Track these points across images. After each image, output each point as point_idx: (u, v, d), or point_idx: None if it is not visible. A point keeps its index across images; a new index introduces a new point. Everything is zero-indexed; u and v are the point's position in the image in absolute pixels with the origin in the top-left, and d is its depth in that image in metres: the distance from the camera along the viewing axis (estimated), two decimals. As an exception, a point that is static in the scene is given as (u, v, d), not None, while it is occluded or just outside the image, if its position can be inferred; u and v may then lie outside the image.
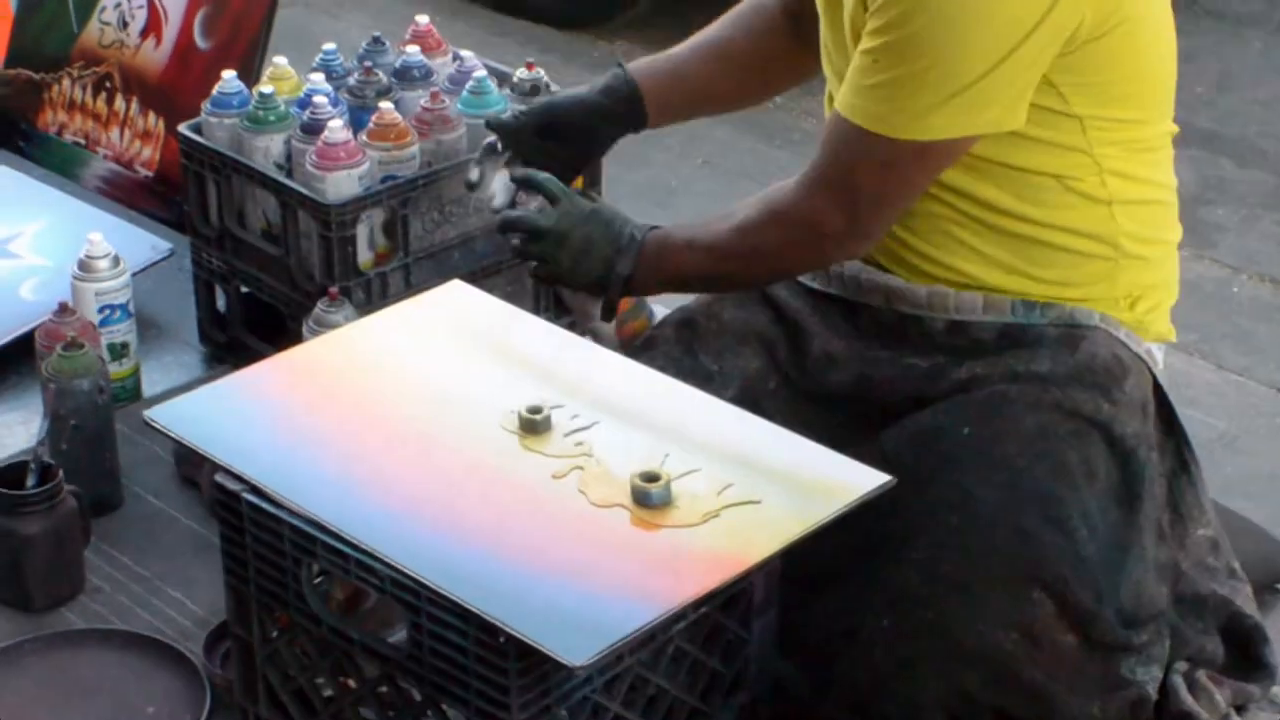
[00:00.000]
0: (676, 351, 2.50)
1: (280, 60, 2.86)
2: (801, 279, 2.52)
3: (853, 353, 2.44)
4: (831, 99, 2.43)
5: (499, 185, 2.58)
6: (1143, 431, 2.34)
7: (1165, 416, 2.41)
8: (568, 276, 2.46)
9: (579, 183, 2.69)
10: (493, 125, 2.61)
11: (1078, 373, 2.32)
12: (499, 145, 2.59)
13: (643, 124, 2.63)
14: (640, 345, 2.55)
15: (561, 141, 2.61)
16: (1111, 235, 2.34)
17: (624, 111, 2.62)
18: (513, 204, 2.56)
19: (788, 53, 2.64)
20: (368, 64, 2.83)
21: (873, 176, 2.28)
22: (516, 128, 2.59)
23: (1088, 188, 2.32)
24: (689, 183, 4.89)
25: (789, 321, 2.50)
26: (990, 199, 2.32)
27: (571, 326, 2.69)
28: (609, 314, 2.50)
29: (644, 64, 2.65)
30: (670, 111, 2.65)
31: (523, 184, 2.50)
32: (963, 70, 2.19)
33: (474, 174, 2.59)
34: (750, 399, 2.37)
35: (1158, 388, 2.40)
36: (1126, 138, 2.33)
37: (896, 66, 2.20)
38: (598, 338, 2.55)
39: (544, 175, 2.47)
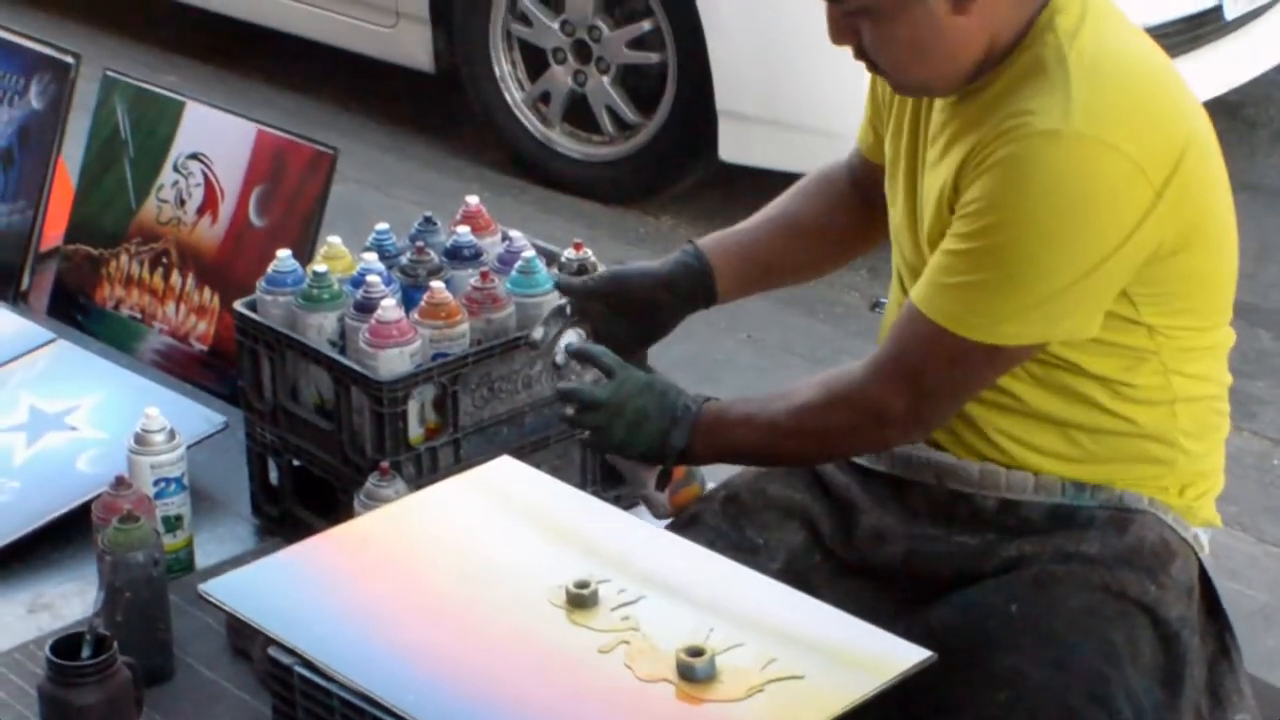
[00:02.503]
0: (724, 525, 2.52)
1: (334, 239, 2.92)
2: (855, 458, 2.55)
3: (902, 529, 2.45)
4: (901, 282, 2.47)
5: (562, 346, 2.63)
6: (1187, 615, 2.36)
7: (1209, 601, 2.42)
8: (622, 448, 2.48)
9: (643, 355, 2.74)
10: (562, 287, 2.67)
11: (1126, 555, 2.34)
12: (568, 309, 2.64)
13: (713, 300, 2.70)
14: (686, 520, 2.56)
15: (628, 313, 2.66)
16: (1170, 433, 2.37)
17: (693, 287, 2.67)
18: (567, 371, 2.61)
19: (857, 224, 2.70)
20: (419, 243, 2.89)
21: (941, 371, 2.30)
22: (586, 293, 2.65)
23: (1151, 388, 2.34)
24: (732, 356, 4.93)
25: (836, 497, 2.52)
26: (1050, 400, 2.35)
27: (618, 500, 2.73)
28: (663, 483, 2.53)
29: (714, 239, 2.71)
30: (740, 286, 2.71)
31: (578, 356, 2.55)
32: (1045, 283, 2.22)
33: (538, 333, 2.63)
34: (796, 573, 2.39)
35: (1203, 572, 2.41)
36: (1192, 344, 2.36)
37: (979, 271, 2.23)
38: (651, 505, 2.59)
39: (599, 348, 2.52)
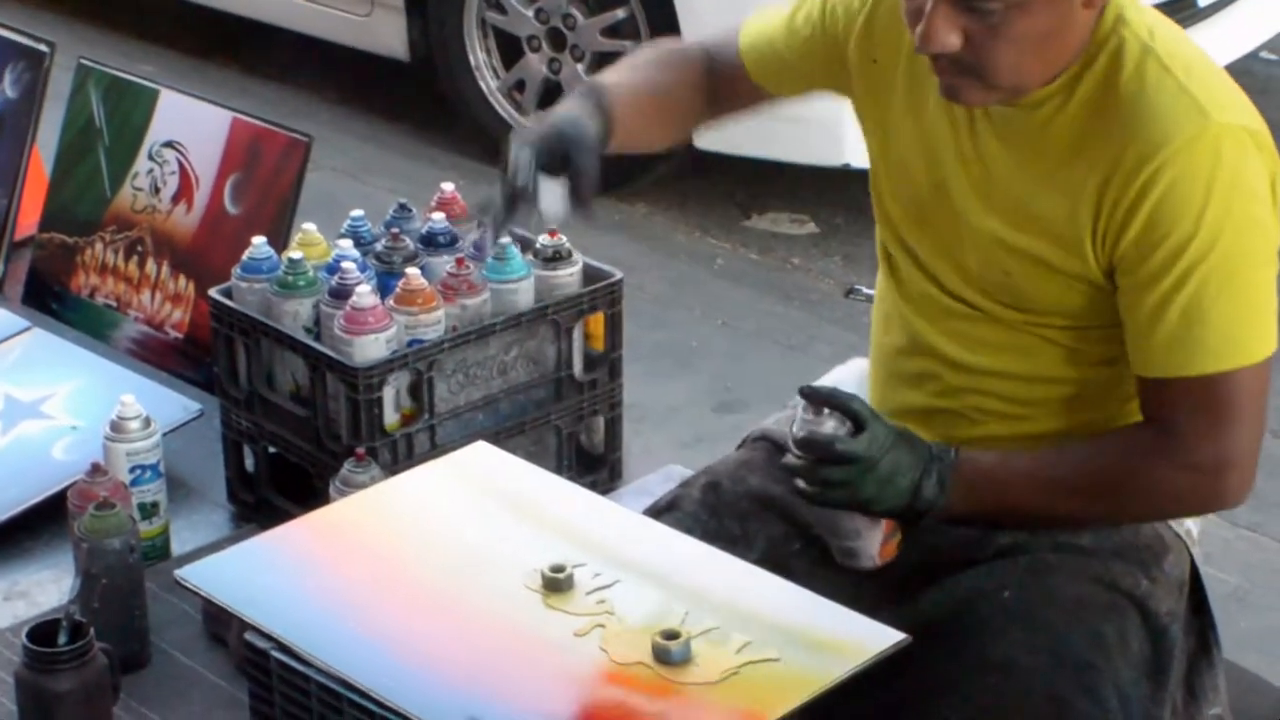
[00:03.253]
0: (703, 514, 2.51)
1: (309, 226, 2.93)
2: None
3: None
4: (889, 260, 2.47)
5: (550, 197, 2.40)
6: (1176, 610, 2.37)
7: (1196, 598, 2.43)
8: (865, 504, 2.28)
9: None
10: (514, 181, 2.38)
11: (1120, 548, 2.35)
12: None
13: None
14: (664, 505, 2.56)
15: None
16: None
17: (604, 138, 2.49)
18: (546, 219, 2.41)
19: (700, 109, 2.67)
20: (395, 230, 2.90)
21: (1245, 413, 2.23)
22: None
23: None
24: (708, 343, 4.94)
25: None
26: (1060, 410, 2.37)
27: (594, 485, 2.73)
28: (904, 538, 2.37)
29: (612, 93, 2.51)
30: (619, 142, 2.54)
31: (824, 403, 2.28)
32: (1269, 274, 2.22)
33: (522, 178, 2.36)
34: (774, 562, 2.37)
35: (1194, 568, 2.43)
36: None
37: (1220, 297, 2.19)
38: (852, 558, 2.36)
39: (850, 394, 2.31)
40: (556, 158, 2.37)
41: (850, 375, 2.68)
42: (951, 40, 2.17)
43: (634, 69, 2.62)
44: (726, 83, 2.63)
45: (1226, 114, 2.19)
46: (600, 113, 2.46)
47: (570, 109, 2.45)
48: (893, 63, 2.41)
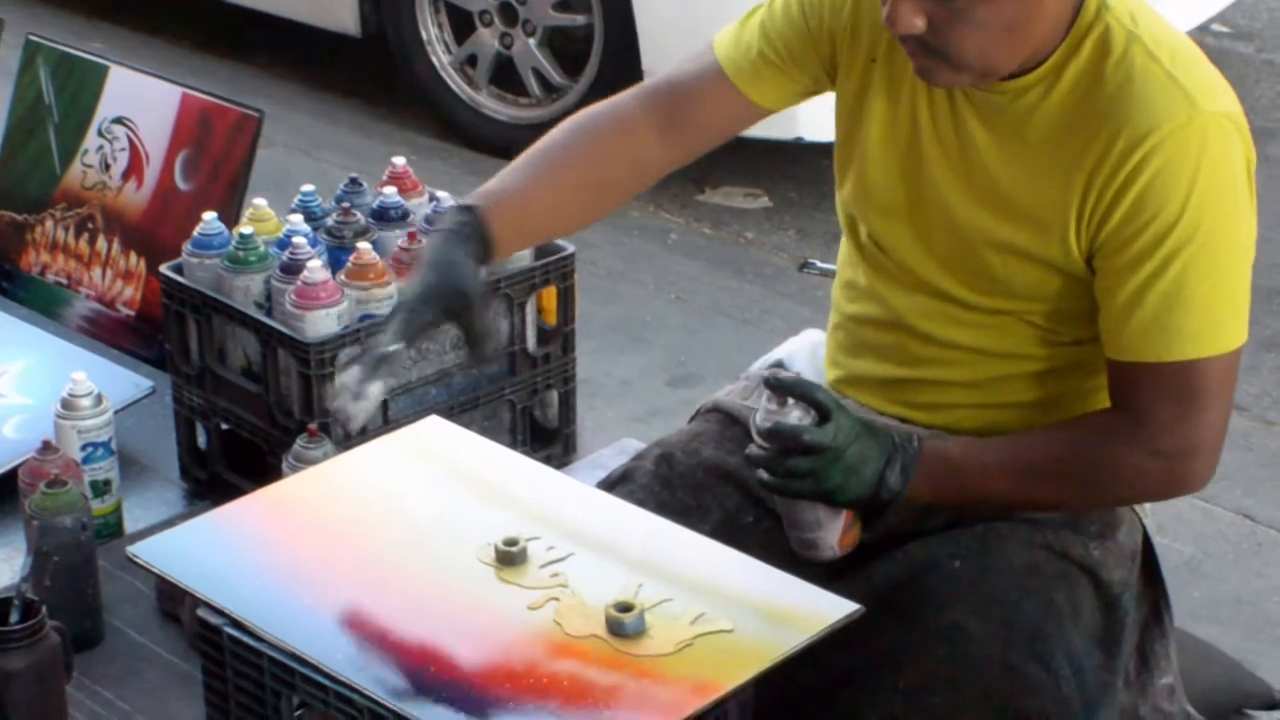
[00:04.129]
0: (656, 485, 2.51)
1: (260, 201, 2.91)
2: None
3: None
4: (858, 242, 2.46)
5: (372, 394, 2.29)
6: (1129, 579, 2.38)
7: (1149, 568, 2.44)
8: (829, 494, 2.28)
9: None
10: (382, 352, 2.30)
11: (1071, 518, 2.36)
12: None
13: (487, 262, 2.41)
14: (618, 478, 2.56)
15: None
16: None
17: (481, 257, 2.39)
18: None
19: (633, 170, 2.58)
20: (346, 204, 2.89)
21: (1214, 400, 2.24)
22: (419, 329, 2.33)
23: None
24: (662, 317, 4.94)
25: None
26: (1029, 385, 2.38)
27: (548, 460, 2.73)
28: (864, 526, 2.37)
29: (493, 202, 2.42)
30: (512, 247, 2.51)
31: (786, 391, 2.27)
32: (1245, 263, 2.23)
33: (351, 375, 2.28)
34: (728, 534, 2.37)
35: (1147, 539, 2.44)
36: None
37: (1200, 284, 2.19)
38: (812, 549, 2.35)
39: (814, 384, 2.29)
40: (440, 316, 2.32)
41: (803, 347, 2.68)
42: (916, 23, 2.18)
43: (527, 160, 2.51)
44: (696, 107, 2.55)
45: (1212, 102, 2.20)
46: (475, 238, 2.37)
47: (443, 249, 2.36)
48: (875, 46, 2.41)
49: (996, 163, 2.30)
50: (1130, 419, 2.25)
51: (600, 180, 2.54)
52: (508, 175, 2.49)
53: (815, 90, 2.52)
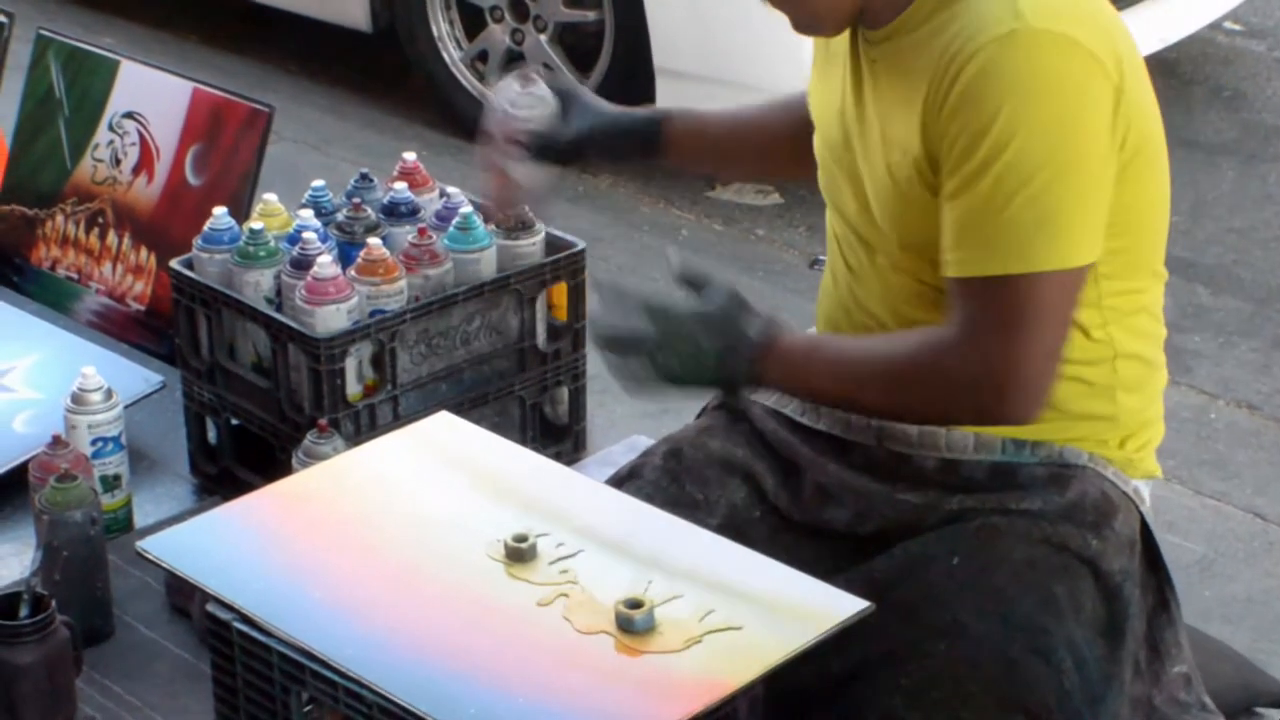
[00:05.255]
0: (664, 480, 2.51)
1: (270, 196, 2.91)
2: (791, 413, 2.54)
3: (846, 487, 2.45)
4: (840, 247, 2.48)
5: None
6: (1129, 568, 2.37)
7: (1150, 554, 2.43)
8: (676, 382, 2.38)
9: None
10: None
11: (1067, 510, 2.35)
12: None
13: (652, 154, 2.75)
14: (626, 474, 2.57)
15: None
16: (1111, 388, 2.37)
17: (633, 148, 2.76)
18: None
19: (797, 153, 2.66)
20: (356, 200, 2.89)
21: (1030, 322, 2.21)
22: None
23: (1093, 345, 2.34)
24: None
25: (779, 455, 2.52)
26: None
27: (558, 456, 2.73)
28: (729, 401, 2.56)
29: (682, 114, 2.74)
30: (684, 159, 2.78)
31: (689, 280, 2.43)
32: (1074, 183, 2.19)
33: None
34: (735, 528, 2.39)
35: (1144, 526, 2.43)
36: (1130, 286, 2.35)
37: (1011, 200, 2.17)
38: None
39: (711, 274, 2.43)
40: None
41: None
42: None
43: (744, 109, 2.80)
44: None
45: (1044, 20, 2.17)
46: (647, 119, 2.74)
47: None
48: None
49: (883, 108, 2.33)
50: (952, 329, 2.25)
51: (772, 152, 2.78)
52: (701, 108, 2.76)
53: None
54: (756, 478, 2.50)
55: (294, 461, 2.57)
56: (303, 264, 2.69)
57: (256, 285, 2.75)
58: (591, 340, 2.46)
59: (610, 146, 2.75)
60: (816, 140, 2.51)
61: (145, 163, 3.38)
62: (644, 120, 2.74)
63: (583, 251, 2.90)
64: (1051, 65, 2.17)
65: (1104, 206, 2.23)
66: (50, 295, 3.48)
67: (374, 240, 2.73)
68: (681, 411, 4.11)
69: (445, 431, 2.49)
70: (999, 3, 2.19)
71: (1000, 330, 2.21)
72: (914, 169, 2.27)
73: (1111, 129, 2.21)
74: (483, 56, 5.90)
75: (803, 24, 2.37)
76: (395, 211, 2.88)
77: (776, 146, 2.75)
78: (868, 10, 2.32)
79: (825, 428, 2.50)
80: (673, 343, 2.34)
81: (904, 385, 2.31)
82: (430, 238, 2.76)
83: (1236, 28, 6.54)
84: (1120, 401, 2.38)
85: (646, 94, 5.43)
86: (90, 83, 3.48)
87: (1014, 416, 2.27)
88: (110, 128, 3.44)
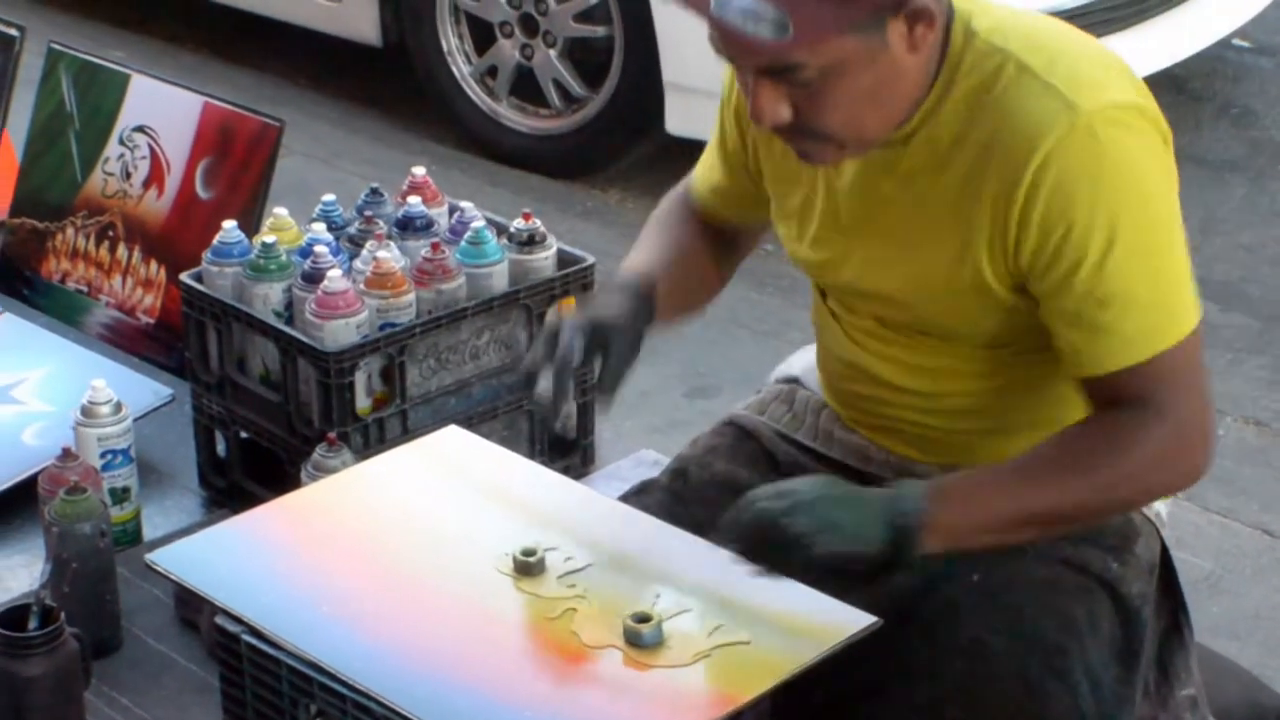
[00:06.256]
0: (669, 501, 2.51)
1: (281, 210, 2.92)
2: (804, 439, 2.53)
3: None
4: (835, 316, 2.46)
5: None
6: (1147, 592, 2.37)
7: (1167, 579, 2.44)
8: (838, 531, 2.15)
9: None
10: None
11: (1090, 534, 2.35)
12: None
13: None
14: (632, 494, 2.56)
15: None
16: None
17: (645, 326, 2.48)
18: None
19: (723, 255, 2.64)
20: (368, 213, 2.89)
21: (1188, 387, 2.20)
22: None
23: None
24: (681, 329, 4.92)
25: (788, 475, 2.51)
26: (1023, 405, 2.35)
27: (566, 470, 2.73)
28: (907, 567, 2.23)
29: (649, 277, 2.49)
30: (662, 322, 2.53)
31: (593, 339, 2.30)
32: (1176, 251, 2.20)
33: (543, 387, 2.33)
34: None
35: (1164, 550, 2.43)
36: None
37: (1130, 282, 2.16)
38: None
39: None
40: (595, 345, 2.33)
41: (810, 356, 2.67)
42: (781, 113, 2.16)
43: (665, 241, 2.59)
44: (713, 221, 2.62)
45: (1094, 98, 2.15)
46: (647, 313, 2.44)
47: (619, 305, 2.40)
48: (767, 135, 2.39)
49: (899, 213, 2.28)
50: (1135, 410, 2.20)
51: (707, 283, 2.64)
52: (651, 256, 2.54)
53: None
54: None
55: (303, 475, 2.58)
56: (314, 278, 2.70)
57: (266, 299, 2.75)
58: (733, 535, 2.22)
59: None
60: (791, 231, 2.45)
61: (156, 176, 3.38)
62: (645, 313, 2.45)
63: (592, 266, 2.90)
64: (1121, 141, 2.15)
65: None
66: (60, 308, 3.48)
67: (383, 254, 2.73)
68: (690, 425, 4.12)
69: (454, 445, 2.50)
70: (1039, 93, 2.16)
71: (1178, 396, 2.19)
72: (960, 275, 2.24)
73: (1170, 168, 2.22)
74: (492, 72, 5.90)
75: (861, 140, 2.23)
76: (410, 226, 2.89)
77: (711, 272, 2.63)
78: None
79: (839, 456, 2.50)
80: (825, 498, 2.18)
81: (1112, 468, 2.20)
82: (443, 252, 2.76)
83: (1245, 44, 6.54)
84: None
85: (656, 109, 5.43)
86: (101, 96, 3.49)
87: (1202, 473, 2.26)
88: (121, 141, 3.44)
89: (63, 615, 2.35)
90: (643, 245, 2.59)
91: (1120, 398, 2.21)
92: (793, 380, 2.65)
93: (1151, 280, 2.17)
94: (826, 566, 2.16)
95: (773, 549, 2.14)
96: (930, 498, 2.18)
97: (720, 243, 2.63)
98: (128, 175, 3.43)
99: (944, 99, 2.21)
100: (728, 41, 2.13)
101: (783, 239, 2.49)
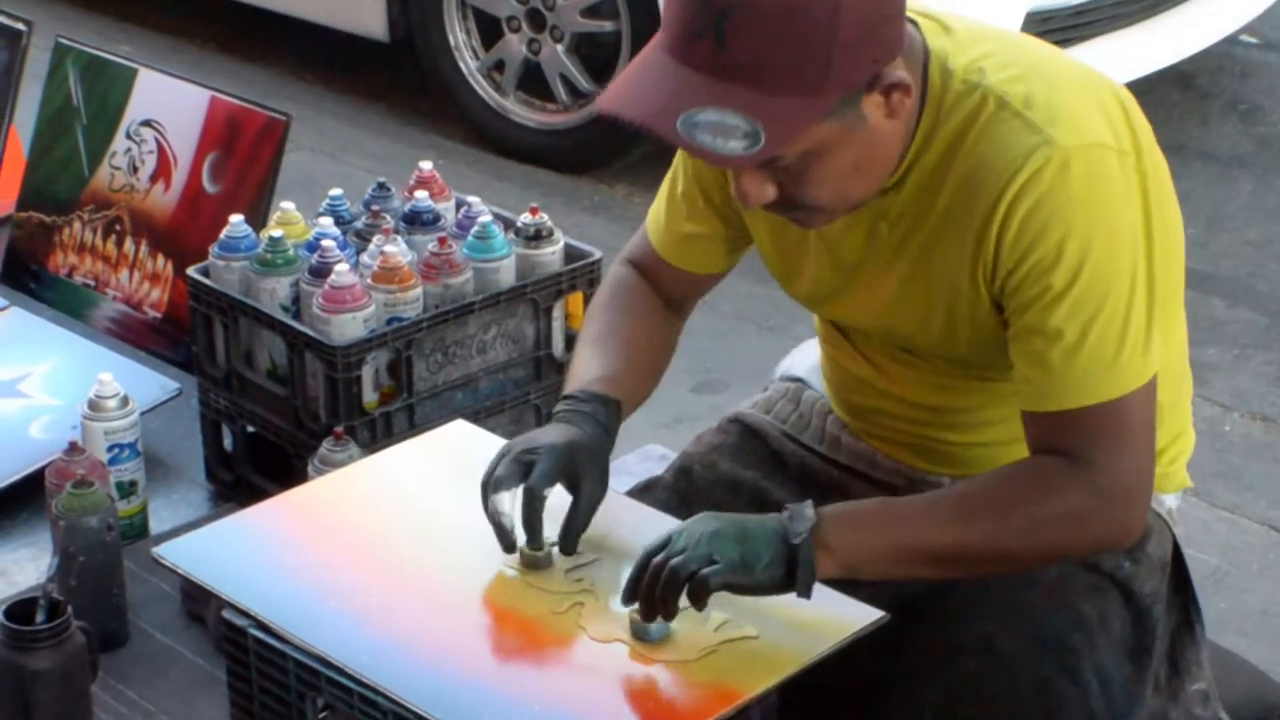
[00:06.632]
0: (673, 501, 2.50)
1: (288, 205, 2.92)
2: (811, 442, 2.53)
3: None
4: (840, 339, 2.45)
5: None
6: (1159, 590, 2.37)
7: (1178, 575, 2.43)
8: (746, 566, 2.10)
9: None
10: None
11: None
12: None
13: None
14: (638, 490, 2.56)
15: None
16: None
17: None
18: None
19: (670, 337, 2.61)
20: (375, 208, 2.89)
21: (1132, 440, 2.16)
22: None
23: None
24: (687, 324, 4.92)
25: (795, 474, 2.52)
26: None
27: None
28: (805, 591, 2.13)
29: (612, 388, 2.40)
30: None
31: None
32: (1139, 292, 2.16)
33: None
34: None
35: (1176, 547, 2.42)
36: (1170, 313, 2.31)
37: (1088, 327, 2.13)
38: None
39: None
40: (566, 477, 2.26)
41: (815, 355, 2.67)
42: (766, 193, 2.14)
43: (621, 344, 2.49)
44: (671, 287, 2.58)
45: (1072, 134, 2.13)
46: (609, 435, 2.35)
47: (580, 433, 2.30)
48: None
49: (890, 250, 2.27)
50: (1064, 460, 2.17)
51: (659, 364, 2.56)
52: (606, 362, 2.44)
53: (747, 241, 2.50)
54: (765, 495, 2.48)
55: (310, 469, 2.58)
56: (321, 272, 2.70)
57: (273, 293, 2.75)
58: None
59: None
60: (786, 277, 2.45)
61: (162, 170, 3.38)
62: (611, 441, 2.37)
63: (599, 261, 2.90)
64: (1094, 182, 2.13)
65: (1164, 292, 2.21)
66: (67, 302, 3.48)
67: (390, 248, 2.73)
68: (697, 420, 4.13)
69: (461, 439, 2.50)
70: (1016, 128, 2.14)
71: (1117, 451, 2.16)
72: (965, 302, 2.23)
73: (1143, 214, 2.18)
74: (499, 66, 5.90)
75: (846, 206, 2.21)
76: (417, 220, 2.89)
77: (664, 359, 2.59)
78: None
79: (847, 461, 2.50)
80: (721, 531, 2.13)
81: (1022, 517, 2.17)
82: (451, 247, 2.76)
83: (1253, 40, 6.53)
84: (1159, 416, 2.35)
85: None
86: (108, 91, 3.49)
87: (1137, 531, 2.22)
88: (128, 135, 3.44)
89: (69, 609, 2.35)
90: (600, 351, 2.47)
91: (1054, 443, 2.18)
92: (798, 380, 2.65)
93: (1102, 330, 2.14)
94: (733, 587, 2.11)
95: (671, 593, 2.08)
96: (825, 520, 2.13)
97: (673, 317, 2.60)
98: (134, 169, 3.43)
99: (929, 142, 2.20)
100: (701, 157, 2.11)
101: (775, 275, 2.47)
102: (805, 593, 2.11)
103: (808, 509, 2.14)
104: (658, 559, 2.10)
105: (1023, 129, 2.14)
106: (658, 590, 2.08)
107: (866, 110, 2.10)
